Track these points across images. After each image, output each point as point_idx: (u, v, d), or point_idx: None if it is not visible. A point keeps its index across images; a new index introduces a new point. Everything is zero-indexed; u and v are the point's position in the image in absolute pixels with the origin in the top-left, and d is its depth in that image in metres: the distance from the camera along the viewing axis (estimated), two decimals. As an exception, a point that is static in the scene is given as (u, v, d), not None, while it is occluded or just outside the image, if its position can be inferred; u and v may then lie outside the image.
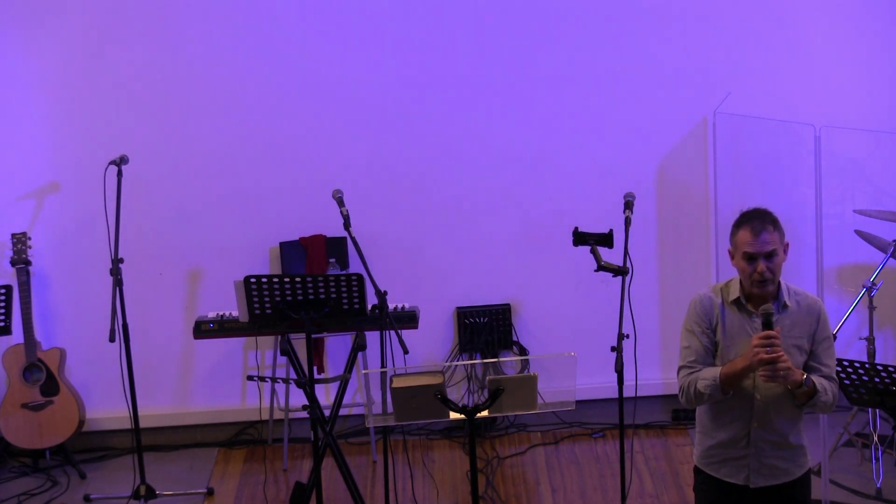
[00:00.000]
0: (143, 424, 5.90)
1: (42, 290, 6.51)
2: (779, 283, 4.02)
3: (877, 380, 4.19)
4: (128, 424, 5.89)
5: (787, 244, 4.02)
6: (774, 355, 3.82)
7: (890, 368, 4.17)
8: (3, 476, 6.33)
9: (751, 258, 3.95)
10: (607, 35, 6.49)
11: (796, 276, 6.65)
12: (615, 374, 4.76)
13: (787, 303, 4.01)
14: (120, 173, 5.79)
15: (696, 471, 4.23)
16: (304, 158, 6.50)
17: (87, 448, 6.59)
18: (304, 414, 5.02)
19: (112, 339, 5.41)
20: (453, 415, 4.28)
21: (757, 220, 3.95)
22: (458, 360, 6.67)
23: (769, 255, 3.93)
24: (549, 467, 6.24)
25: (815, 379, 3.94)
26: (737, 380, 3.95)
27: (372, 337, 5.65)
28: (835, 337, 5.60)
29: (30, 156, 6.43)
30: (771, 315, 3.89)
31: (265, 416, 6.56)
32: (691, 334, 4.07)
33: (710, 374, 3.98)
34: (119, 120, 6.40)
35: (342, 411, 5.89)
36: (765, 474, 4.07)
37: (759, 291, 3.98)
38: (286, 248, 6.49)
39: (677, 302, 6.54)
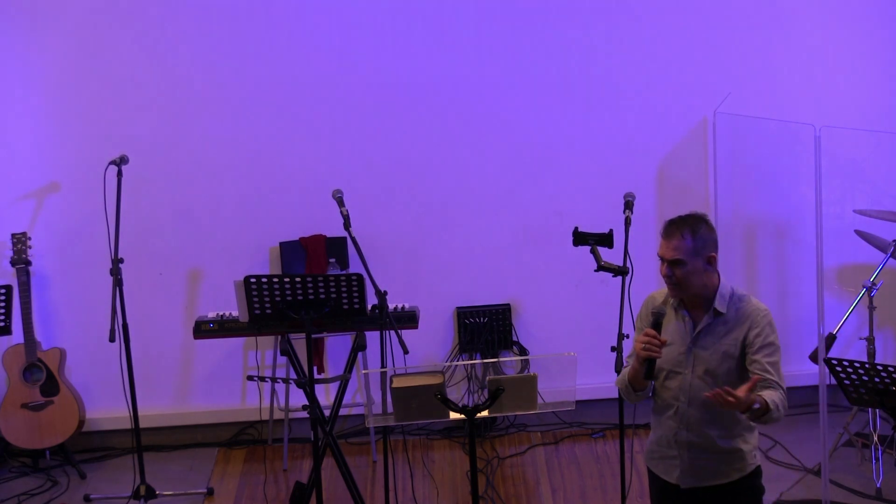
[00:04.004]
0: (143, 424, 5.91)
1: (42, 290, 6.51)
2: (716, 289, 4.02)
3: (877, 380, 4.19)
4: (128, 424, 5.89)
5: (711, 256, 3.98)
6: (647, 353, 3.90)
7: (890, 368, 4.17)
8: (3, 476, 6.33)
9: (661, 260, 4.01)
10: (607, 35, 6.50)
11: (796, 276, 6.66)
12: (615, 374, 4.76)
13: (720, 310, 4.02)
14: (120, 173, 5.79)
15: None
16: (304, 158, 6.51)
17: (87, 448, 6.59)
18: (304, 414, 5.02)
19: (112, 339, 5.41)
20: (453, 415, 4.28)
21: (673, 227, 3.99)
22: (458, 360, 6.67)
23: (673, 263, 3.96)
24: (549, 467, 6.24)
25: (767, 396, 3.88)
26: (637, 377, 4.01)
27: (372, 337, 5.65)
28: (834, 337, 5.63)
29: (30, 156, 6.43)
30: (660, 316, 3.98)
31: (265, 416, 6.56)
32: (636, 332, 4.22)
33: (623, 372, 4.12)
34: (119, 120, 6.41)
35: (342, 411, 5.90)
36: (695, 475, 4.10)
37: (671, 294, 4.05)
38: (286, 248, 6.49)
39: (677, 302, 6.54)
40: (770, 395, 3.90)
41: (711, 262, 4.00)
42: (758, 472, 4.16)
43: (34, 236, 6.40)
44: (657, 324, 3.97)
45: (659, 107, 6.56)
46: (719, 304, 4.02)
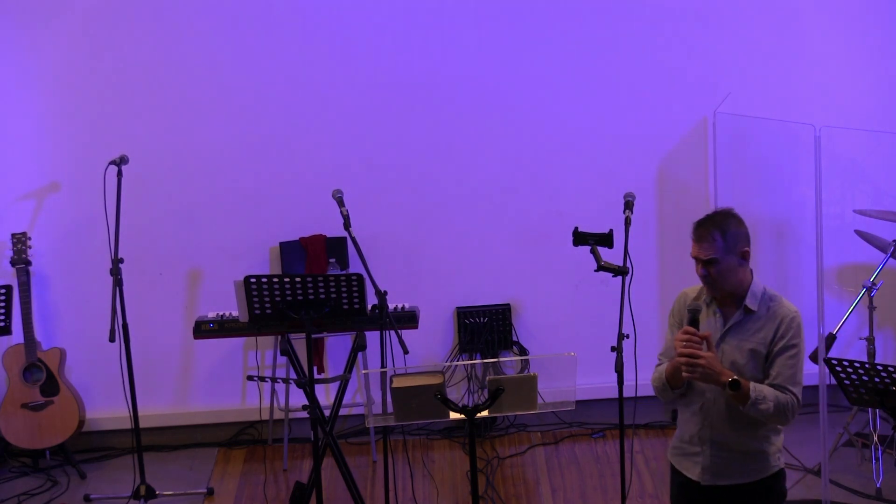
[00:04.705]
0: (143, 424, 5.91)
1: (42, 290, 6.51)
2: (748, 287, 4.05)
3: (877, 380, 4.19)
4: (128, 424, 5.89)
5: (745, 251, 4.03)
6: (688, 351, 3.91)
7: (890, 368, 4.17)
8: (3, 476, 6.33)
9: (696, 261, 4.05)
10: (607, 35, 6.50)
11: (796, 277, 6.66)
12: (615, 374, 4.77)
13: (751, 307, 4.05)
14: (120, 173, 5.79)
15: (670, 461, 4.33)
16: (303, 158, 6.51)
17: (87, 448, 6.59)
18: (304, 414, 5.02)
19: (112, 339, 5.42)
20: (453, 415, 4.28)
21: (701, 228, 4.03)
22: (458, 360, 6.67)
23: (708, 262, 4.00)
24: (549, 467, 6.24)
25: (756, 386, 3.94)
26: (676, 375, 4.02)
27: (372, 337, 5.65)
28: (834, 337, 5.63)
29: (30, 156, 6.43)
30: (696, 312, 4.00)
31: (265, 416, 6.56)
32: (668, 328, 4.23)
33: (659, 370, 4.15)
34: (119, 120, 6.41)
35: (342, 411, 5.89)
36: (715, 473, 4.12)
37: (709, 293, 4.09)
38: (286, 248, 6.49)
39: (677, 302, 6.54)
40: (762, 387, 3.95)
41: (745, 256, 4.04)
42: (780, 475, 4.16)
43: (34, 236, 6.40)
44: (694, 320, 3.99)
45: (659, 107, 6.56)
46: (750, 302, 4.04)
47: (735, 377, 3.91)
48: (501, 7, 6.45)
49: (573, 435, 6.59)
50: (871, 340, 6.03)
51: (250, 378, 5.19)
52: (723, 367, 3.95)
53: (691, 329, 3.96)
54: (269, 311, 5.07)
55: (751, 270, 4.08)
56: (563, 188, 6.60)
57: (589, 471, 6.19)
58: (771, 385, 3.98)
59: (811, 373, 6.03)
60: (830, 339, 5.63)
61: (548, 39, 6.48)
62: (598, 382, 6.27)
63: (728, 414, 4.05)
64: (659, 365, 4.19)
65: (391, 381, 4.30)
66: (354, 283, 5.03)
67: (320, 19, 6.41)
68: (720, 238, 3.98)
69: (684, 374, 3.95)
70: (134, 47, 6.37)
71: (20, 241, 6.29)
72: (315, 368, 6.28)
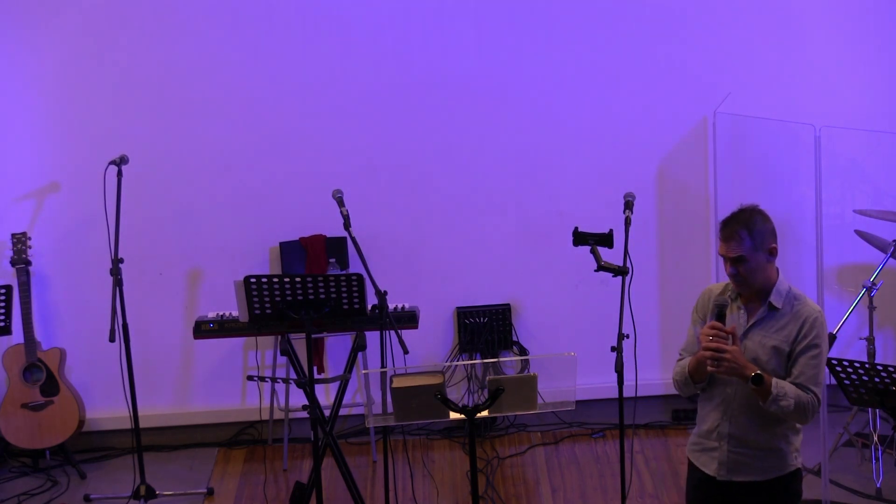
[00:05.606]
0: (143, 424, 5.91)
1: (42, 290, 6.51)
2: (773, 284, 4.06)
3: (877, 380, 4.19)
4: (128, 424, 5.89)
5: (772, 247, 4.04)
6: (714, 345, 3.92)
7: (890, 368, 4.18)
8: (3, 476, 6.33)
9: (724, 259, 4.06)
10: (607, 35, 6.50)
11: (796, 277, 6.65)
12: (615, 374, 4.77)
13: (776, 304, 4.05)
14: (120, 173, 5.79)
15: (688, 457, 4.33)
16: (304, 158, 6.51)
17: (87, 448, 6.59)
18: (304, 414, 5.02)
19: (112, 339, 5.42)
20: (453, 415, 4.28)
21: (728, 227, 4.04)
22: (458, 360, 6.67)
23: (736, 261, 4.00)
24: (549, 467, 6.25)
25: (778, 382, 3.95)
26: (700, 370, 4.03)
27: (372, 337, 5.65)
28: (835, 337, 5.63)
29: (30, 156, 6.43)
30: (723, 307, 4.03)
31: (265, 416, 6.56)
32: (691, 323, 4.22)
33: (683, 364, 4.14)
34: (119, 120, 6.41)
35: (342, 411, 5.89)
36: (731, 468, 4.12)
37: (737, 290, 4.10)
38: (286, 248, 6.49)
39: (677, 302, 6.55)
40: (784, 384, 3.95)
41: (773, 252, 4.05)
42: (797, 474, 4.15)
43: (34, 236, 6.39)
44: (721, 315, 4.00)
45: (659, 107, 6.56)
46: (775, 299, 4.05)
47: (758, 372, 3.92)
48: (502, 7, 6.45)
49: (573, 435, 6.59)
50: (871, 340, 6.03)
51: (250, 378, 5.20)
52: (747, 362, 3.96)
53: (718, 324, 3.97)
54: (269, 311, 5.07)
55: (777, 268, 4.09)
56: (563, 188, 6.60)
57: (589, 471, 6.19)
58: (793, 384, 3.98)
59: (811, 373, 6.05)
60: (830, 339, 5.62)
61: (548, 39, 6.48)
62: (598, 382, 6.27)
63: (748, 409, 4.05)
64: (680, 360, 4.19)
65: (391, 381, 4.30)
66: (354, 283, 5.03)
67: (320, 19, 6.41)
68: (747, 236, 3.99)
69: (709, 367, 3.96)
70: (134, 47, 6.37)
71: (20, 241, 6.28)
72: (315, 368, 6.28)
